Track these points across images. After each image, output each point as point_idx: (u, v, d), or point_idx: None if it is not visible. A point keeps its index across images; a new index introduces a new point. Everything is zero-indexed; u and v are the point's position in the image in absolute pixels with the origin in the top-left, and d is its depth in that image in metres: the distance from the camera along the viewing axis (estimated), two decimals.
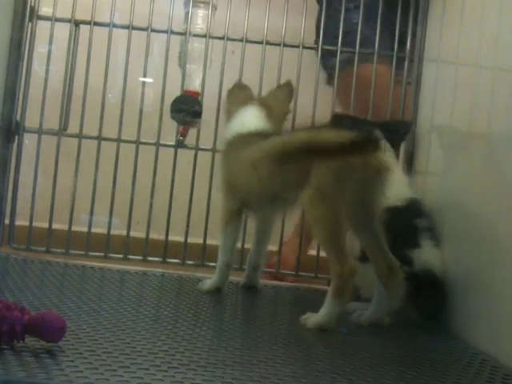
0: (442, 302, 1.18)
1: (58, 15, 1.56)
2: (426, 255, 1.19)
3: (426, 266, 1.18)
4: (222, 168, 1.35)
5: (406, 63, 1.57)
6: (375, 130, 1.25)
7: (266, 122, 1.31)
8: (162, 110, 1.53)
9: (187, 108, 1.52)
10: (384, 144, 1.15)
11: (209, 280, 1.32)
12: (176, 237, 1.56)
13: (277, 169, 1.17)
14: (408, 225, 1.22)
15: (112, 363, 0.81)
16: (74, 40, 1.55)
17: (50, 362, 0.79)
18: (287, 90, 1.40)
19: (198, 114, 1.53)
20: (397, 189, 1.26)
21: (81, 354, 0.83)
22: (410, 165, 1.53)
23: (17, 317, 0.82)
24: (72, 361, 0.80)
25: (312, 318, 1.10)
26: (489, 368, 0.97)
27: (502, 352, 1.00)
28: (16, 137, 1.53)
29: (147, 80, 1.57)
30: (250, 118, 1.32)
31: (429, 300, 1.17)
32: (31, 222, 1.52)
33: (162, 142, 1.55)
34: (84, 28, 1.56)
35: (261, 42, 1.56)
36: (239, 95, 1.39)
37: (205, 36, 1.56)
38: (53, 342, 0.84)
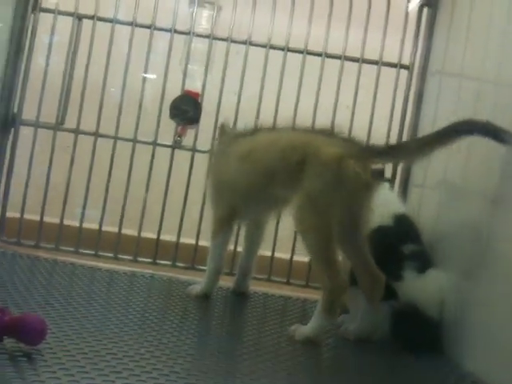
0: (427, 337, 1.13)
1: (62, 8, 1.54)
2: (409, 289, 1.14)
3: (408, 301, 1.13)
4: (210, 171, 1.33)
5: (408, 74, 1.55)
6: None
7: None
8: (161, 109, 1.52)
9: (186, 109, 1.50)
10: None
11: (198, 285, 1.30)
12: (168, 236, 1.54)
13: (264, 163, 1.17)
14: (392, 253, 1.17)
15: (91, 370, 0.79)
16: (76, 34, 1.53)
17: (27, 367, 0.77)
18: None
19: (196, 116, 1.51)
20: (386, 204, 1.24)
21: (59, 359, 0.81)
22: (406, 179, 1.51)
23: None
24: (49, 366, 0.78)
25: (300, 331, 1.09)
26: None
27: (493, 374, 0.98)
28: (12, 129, 1.51)
29: (148, 76, 1.55)
30: None
31: (413, 337, 1.12)
32: (22, 214, 1.50)
33: (159, 141, 1.54)
34: (87, 22, 1.54)
35: (264, 46, 1.54)
36: None
37: (208, 37, 1.54)
38: (32, 345, 0.83)
